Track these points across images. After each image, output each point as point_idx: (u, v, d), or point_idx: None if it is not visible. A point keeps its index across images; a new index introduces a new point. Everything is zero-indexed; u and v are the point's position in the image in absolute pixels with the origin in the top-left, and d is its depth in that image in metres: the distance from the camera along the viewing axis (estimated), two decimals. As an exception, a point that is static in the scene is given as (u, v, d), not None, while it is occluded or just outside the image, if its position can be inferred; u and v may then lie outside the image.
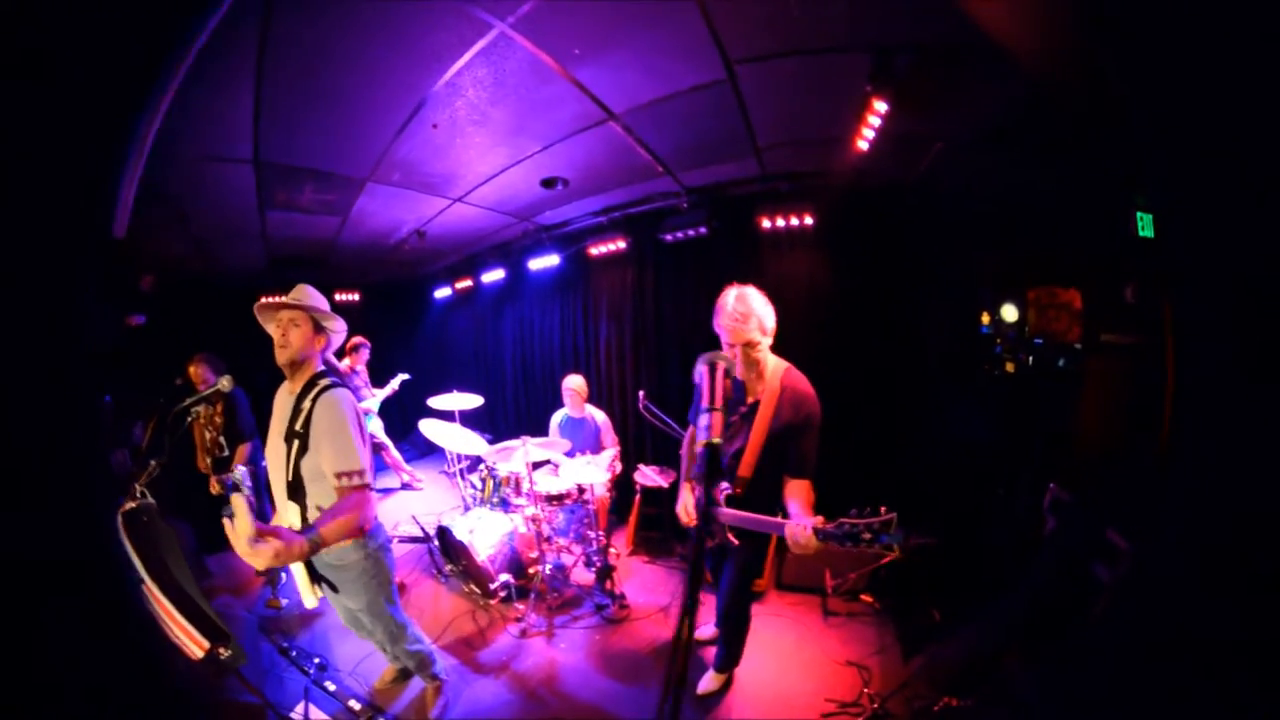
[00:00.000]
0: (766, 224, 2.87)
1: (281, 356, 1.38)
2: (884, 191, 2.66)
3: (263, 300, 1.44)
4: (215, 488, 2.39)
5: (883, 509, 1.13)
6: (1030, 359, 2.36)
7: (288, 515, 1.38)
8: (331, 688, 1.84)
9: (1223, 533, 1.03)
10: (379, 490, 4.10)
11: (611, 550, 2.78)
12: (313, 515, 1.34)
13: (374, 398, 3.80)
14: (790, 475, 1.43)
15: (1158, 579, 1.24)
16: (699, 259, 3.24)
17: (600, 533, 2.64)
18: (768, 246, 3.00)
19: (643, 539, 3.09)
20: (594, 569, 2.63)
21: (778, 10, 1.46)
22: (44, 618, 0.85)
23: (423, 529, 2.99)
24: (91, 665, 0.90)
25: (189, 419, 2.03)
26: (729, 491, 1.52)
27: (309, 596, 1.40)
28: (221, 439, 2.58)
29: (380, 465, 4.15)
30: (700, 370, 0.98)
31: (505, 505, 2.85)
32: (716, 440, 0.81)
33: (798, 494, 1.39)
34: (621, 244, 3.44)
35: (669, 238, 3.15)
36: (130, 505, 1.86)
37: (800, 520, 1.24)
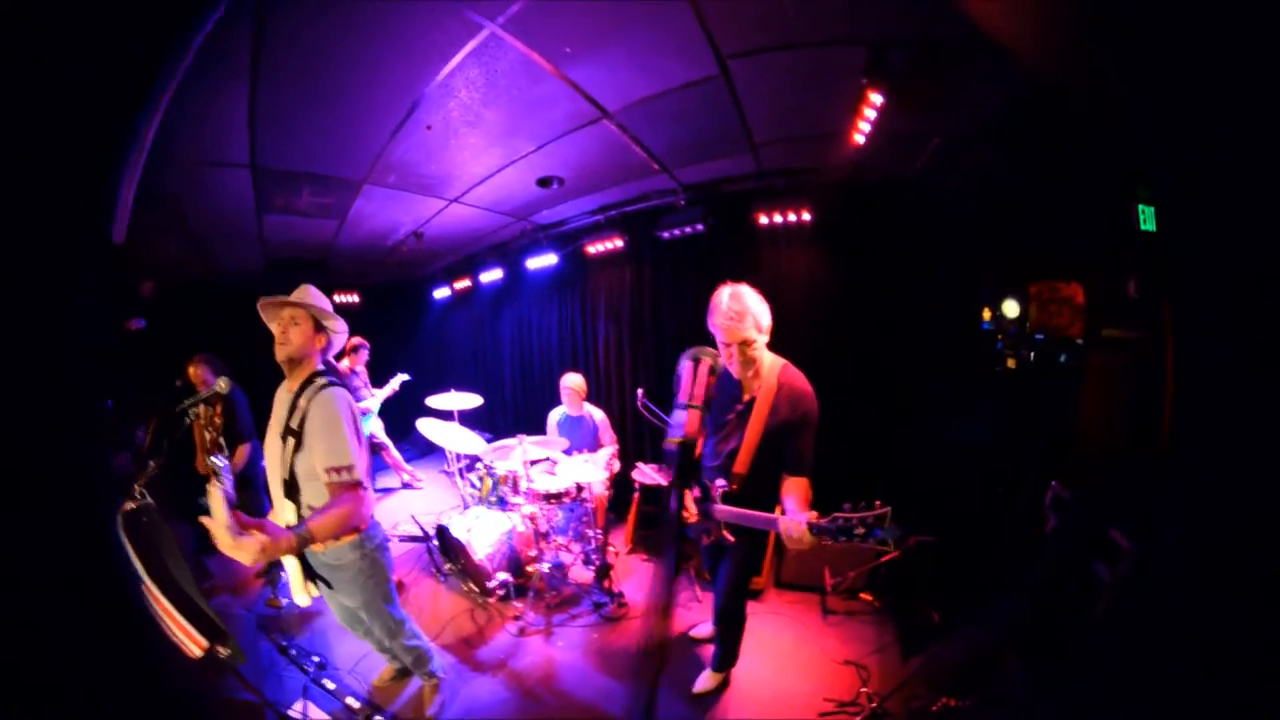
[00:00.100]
0: (764, 220, 2.85)
1: (281, 353, 1.40)
2: (882, 187, 2.63)
3: (265, 298, 1.45)
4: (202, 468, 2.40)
5: (877, 503, 1.13)
6: (1031, 355, 2.33)
7: (284, 513, 1.39)
8: (330, 686, 1.85)
9: (1223, 532, 1.01)
10: (380, 490, 4.12)
11: (610, 548, 2.78)
12: (307, 514, 1.35)
13: (374, 398, 3.82)
14: (788, 473, 1.42)
15: (1159, 579, 1.23)
16: (696, 256, 3.23)
17: (598, 531, 2.64)
18: (765, 243, 2.98)
19: (641, 537, 3.09)
20: (592, 567, 2.63)
21: (771, 4, 1.45)
22: (44, 617, 0.86)
23: (421, 528, 3.00)
24: (90, 664, 0.91)
25: (187, 420, 2.04)
26: (725, 488, 1.52)
27: (301, 594, 1.40)
28: (221, 440, 2.60)
29: (381, 465, 4.17)
30: (684, 365, 0.95)
31: (503, 504, 2.86)
32: (690, 438, 0.79)
33: (795, 491, 1.38)
34: (618, 242, 3.43)
35: (666, 235, 3.14)
36: (130, 506, 1.88)
37: (795, 516, 1.23)
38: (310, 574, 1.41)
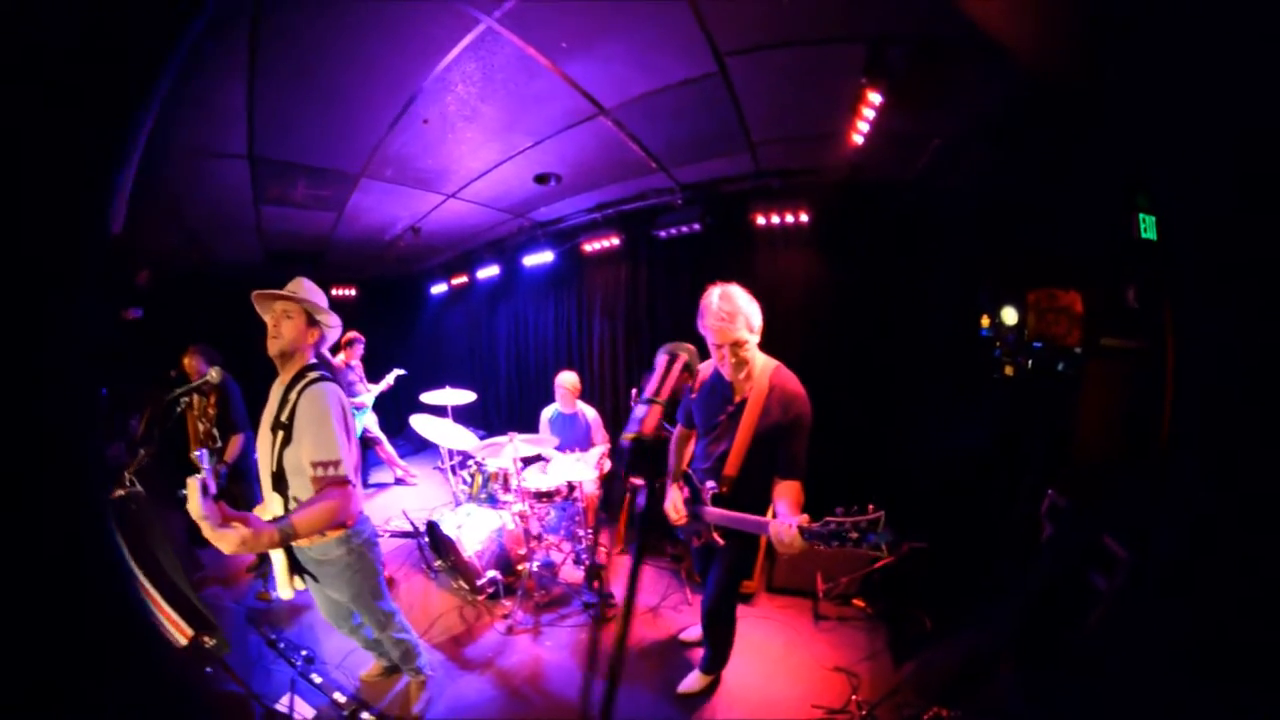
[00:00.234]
0: (761, 221, 2.83)
1: (273, 347, 1.39)
2: (881, 189, 2.61)
3: (259, 290, 1.44)
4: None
5: (870, 507, 1.11)
6: (1029, 363, 2.31)
7: (272, 506, 1.38)
8: (318, 680, 1.84)
9: (1219, 543, 1.00)
10: (373, 485, 4.11)
11: (601, 548, 2.76)
12: (294, 508, 1.34)
13: (369, 393, 3.81)
14: (780, 476, 1.41)
15: (1155, 589, 1.21)
16: (693, 255, 3.21)
17: (589, 530, 2.62)
18: (762, 243, 2.96)
19: (633, 537, 3.08)
20: (583, 566, 2.62)
21: (769, 0, 1.43)
22: (31, 604, 0.85)
23: (412, 524, 2.99)
24: (79, 653, 0.90)
25: (179, 409, 2.03)
26: (715, 490, 1.50)
27: (285, 587, 1.39)
28: (215, 430, 2.59)
29: (375, 460, 4.16)
30: (658, 359, 0.92)
31: (493, 501, 2.84)
32: (644, 435, 0.75)
33: (787, 494, 1.36)
34: (615, 240, 3.42)
35: (663, 234, 3.13)
36: (119, 493, 1.87)
37: (785, 519, 1.21)
38: (296, 567, 1.40)
